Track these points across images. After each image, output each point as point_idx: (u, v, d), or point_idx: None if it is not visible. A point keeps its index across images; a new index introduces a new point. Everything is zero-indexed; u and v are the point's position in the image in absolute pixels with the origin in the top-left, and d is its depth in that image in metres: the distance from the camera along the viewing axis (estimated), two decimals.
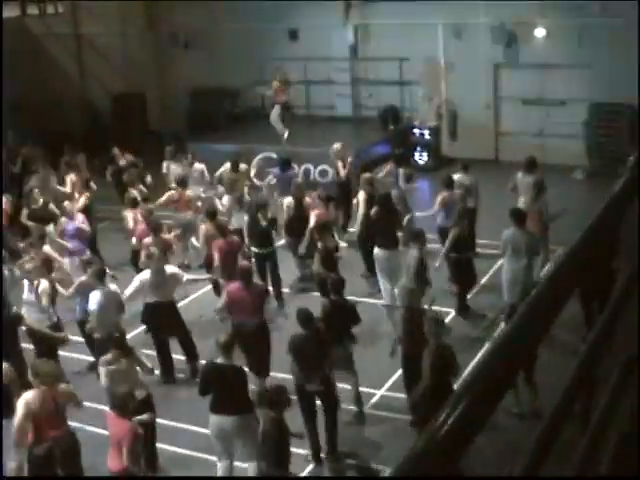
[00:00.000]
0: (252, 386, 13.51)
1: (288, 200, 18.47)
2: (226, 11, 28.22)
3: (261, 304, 13.77)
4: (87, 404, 11.76)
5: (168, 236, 16.92)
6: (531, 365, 11.66)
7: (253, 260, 17.28)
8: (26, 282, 14.43)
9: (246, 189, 20.32)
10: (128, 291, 14.61)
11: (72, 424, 11.19)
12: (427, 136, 26.04)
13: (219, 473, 11.49)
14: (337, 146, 21.22)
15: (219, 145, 25.44)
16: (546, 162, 22.99)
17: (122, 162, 22.36)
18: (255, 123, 27.64)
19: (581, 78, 24.18)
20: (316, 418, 12.16)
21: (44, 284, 14.10)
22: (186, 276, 15.31)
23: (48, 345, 13.95)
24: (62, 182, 21.49)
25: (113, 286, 14.51)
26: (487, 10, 24.91)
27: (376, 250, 16.62)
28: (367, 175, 18.91)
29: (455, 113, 26.34)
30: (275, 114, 25.17)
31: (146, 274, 14.60)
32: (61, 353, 14.40)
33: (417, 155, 25.86)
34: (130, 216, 18.31)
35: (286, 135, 25.17)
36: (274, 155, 23.88)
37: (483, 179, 19.34)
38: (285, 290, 17.71)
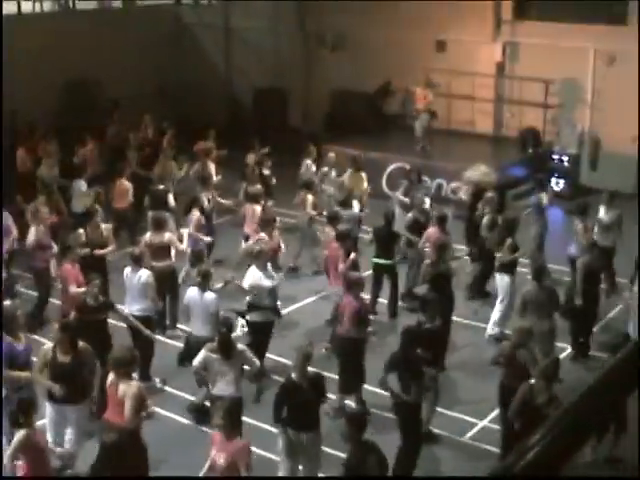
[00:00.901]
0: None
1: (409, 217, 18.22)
2: (376, 16, 27.98)
3: (359, 318, 13.53)
4: None
5: (268, 238, 16.55)
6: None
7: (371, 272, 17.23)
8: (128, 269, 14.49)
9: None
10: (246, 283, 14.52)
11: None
12: (566, 163, 25.37)
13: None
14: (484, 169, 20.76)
15: (354, 150, 25.24)
16: None
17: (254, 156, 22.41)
18: (394, 131, 27.40)
19: None
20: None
21: (146, 273, 14.16)
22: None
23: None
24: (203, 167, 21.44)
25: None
26: None
27: (501, 277, 16.34)
28: (490, 195, 18.51)
29: (598, 142, 25.54)
30: (422, 123, 24.96)
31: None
32: None
33: (554, 181, 25.20)
34: (250, 210, 18.39)
35: (427, 147, 24.97)
36: (407, 166, 23.52)
37: (624, 212, 18.64)
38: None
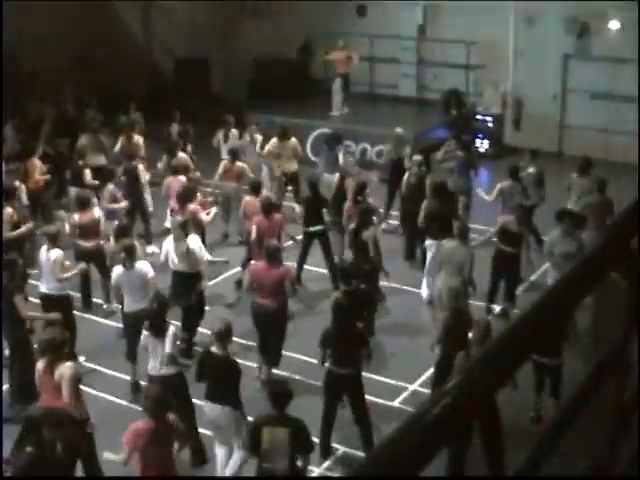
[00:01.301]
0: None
1: (329, 177, 18.03)
2: None
3: (281, 287, 13.31)
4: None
5: (196, 207, 16.17)
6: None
7: (300, 238, 17.07)
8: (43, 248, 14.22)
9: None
10: (162, 257, 14.50)
11: None
12: (490, 123, 25.47)
13: (217, 460, 11.28)
14: (399, 131, 20.24)
15: (278, 117, 25.09)
16: (611, 159, 22.39)
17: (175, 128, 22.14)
18: (319, 98, 27.25)
19: None
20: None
21: (56, 253, 13.85)
22: (207, 256, 14.79)
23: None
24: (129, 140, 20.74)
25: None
26: None
27: (428, 241, 16.18)
28: (418, 158, 18.37)
29: (521, 102, 25.65)
30: (337, 85, 24.90)
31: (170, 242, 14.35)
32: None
33: (478, 142, 25.29)
34: (168, 182, 18.04)
35: (342, 111, 24.87)
36: (329, 131, 23.39)
37: (547, 171, 18.66)
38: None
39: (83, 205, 15.84)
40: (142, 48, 31.40)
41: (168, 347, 11.41)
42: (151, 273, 13.33)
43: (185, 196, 16.08)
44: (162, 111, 23.74)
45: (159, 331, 11.51)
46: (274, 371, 13.52)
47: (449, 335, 11.73)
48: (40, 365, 10.72)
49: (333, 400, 11.73)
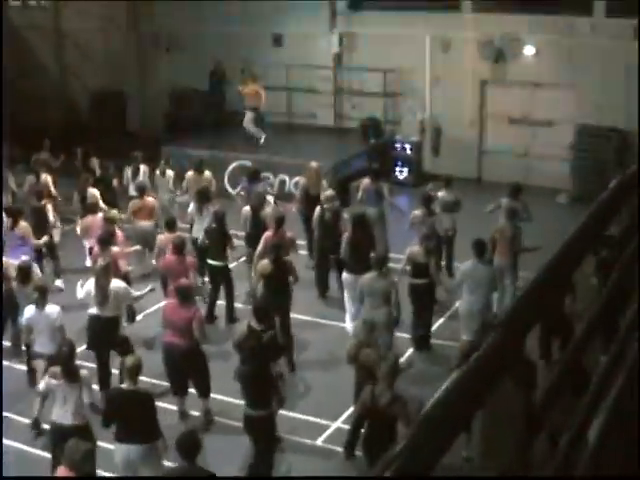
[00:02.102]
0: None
1: (246, 210, 17.71)
2: (209, 13, 27.45)
3: (191, 327, 12.85)
4: None
5: (117, 249, 15.81)
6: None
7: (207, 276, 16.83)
8: None
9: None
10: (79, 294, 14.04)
11: None
12: (409, 151, 25.28)
13: None
14: (314, 165, 19.84)
15: (195, 150, 24.72)
16: (530, 184, 22.33)
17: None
18: (235, 129, 26.85)
19: (569, 99, 23.38)
20: None
21: None
22: (134, 293, 14.41)
23: None
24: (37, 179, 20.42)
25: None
26: (476, 24, 24.24)
27: (345, 274, 15.82)
28: (329, 193, 17.98)
29: (439, 128, 25.53)
30: (249, 118, 24.57)
31: (91, 284, 13.78)
32: None
33: (397, 170, 25.11)
34: (89, 222, 17.66)
35: (262, 140, 24.58)
36: (249, 163, 23.06)
37: (464, 198, 18.58)
38: (240, 305, 16.89)
39: None
40: (57, 81, 30.84)
41: (87, 396, 11.07)
42: (59, 319, 12.97)
43: (106, 239, 15.65)
44: (78, 146, 23.31)
45: (72, 377, 11.07)
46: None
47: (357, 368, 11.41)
48: None
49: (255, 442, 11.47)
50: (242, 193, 20.25)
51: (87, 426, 11.06)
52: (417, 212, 16.96)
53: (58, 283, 18.01)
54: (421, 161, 25.59)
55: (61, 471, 9.33)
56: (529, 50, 23.92)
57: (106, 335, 13.66)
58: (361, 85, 26.61)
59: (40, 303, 13.00)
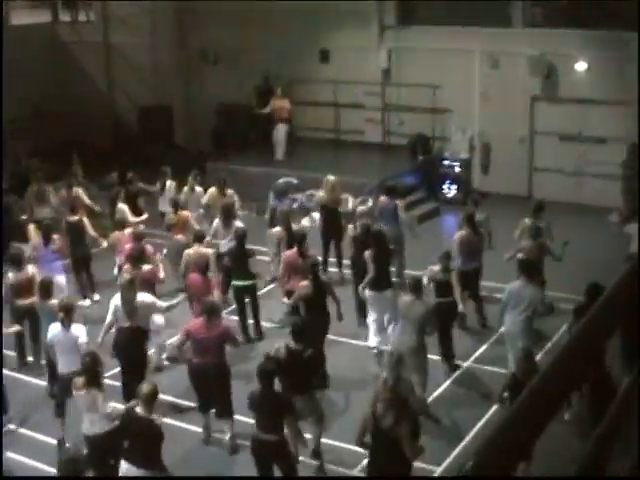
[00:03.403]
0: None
1: (277, 230, 17.56)
2: (257, 28, 27.29)
3: (221, 345, 12.84)
4: None
5: (148, 267, 15.75)
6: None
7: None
8: None
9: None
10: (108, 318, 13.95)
11: None
12: (457, 168, 24.90)
13: None
14: (332, 178, 19.60)
15: (241, 166, 24.63)
16: (581, 202, 21.90)
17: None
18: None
19: (622, 116, 22.87)
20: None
21: None
22: (162, 304, 14.37)
23: None
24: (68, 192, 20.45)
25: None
26: (527, 40, 23.79)
27: (368, 291, 15.56)
28: (363, 209, 17.96)
29: (488, 146, 25.12)
30: (283, 131, 24.91)
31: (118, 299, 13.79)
32: None
33: (446, 188, 24.74)
34: (116, 237, 17.69)
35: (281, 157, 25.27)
36: (295, 180, 22.78)
37: (515, 216, 18.14)
38: (268, 325, 16.81)
39: (17, 263, 15.45)
40: (105, 96, 30.89)
41: (101, 406, 11.18)
42: (83, 339, 12.81)
43: (137, 257, 15.55)
44: (127, 162, 23.34)
45: (95, 385, 11.23)
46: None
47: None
48: None
49: (261, 467, 11.25)
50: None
51: (112, 432, 11.18)
52: (463, 232, 16.60)
53: (95, 297, 18.30)
54: (470, 179, 25.21)
55: None
56: (580, 66, 23.44)
57: (131, 344, 13.60)
58: (409, 101, 26.25)
59: (66, 322, 12.84)
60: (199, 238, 16.67)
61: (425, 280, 14.71)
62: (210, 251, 16.52)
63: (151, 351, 14.97)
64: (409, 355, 12.80)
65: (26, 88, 27.79)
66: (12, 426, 13.66)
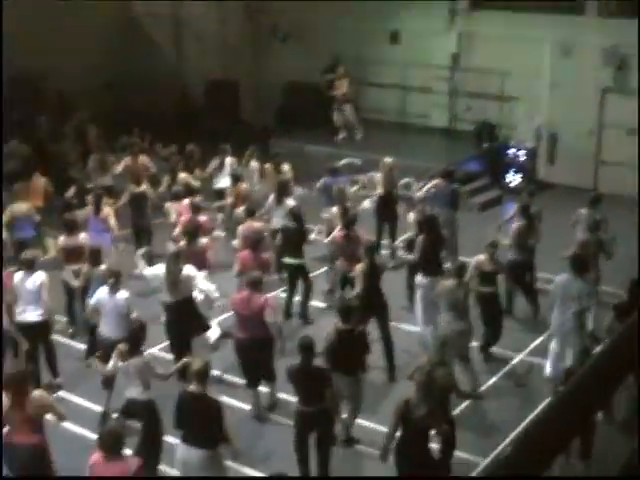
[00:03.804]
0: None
1: (333, 209, 17.57)
2: (327, 6, 27.17)
3: (262, 318, 12.85)
4: None
5: (204, 240, 15.83)
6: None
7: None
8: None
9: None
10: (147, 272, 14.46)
11: None
12: (523, 157, 24.59)
13: None
14: (389, 161, 19.39)
15: (304, 145, 24.64)
16: None
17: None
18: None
19: None
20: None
21: (41, 276, 13.51)
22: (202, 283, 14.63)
23: None
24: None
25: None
26: (600, 29, 23.36)
27: (420, 277, 15.51)
28: (421, 194, 17.99)
29: (555, 135, 24.75)
30: (351, 111, 25.49)
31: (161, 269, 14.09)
32: None
33: (510, 176, 24.44)
34: (174, 208, 17.82)
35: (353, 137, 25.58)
36: (358, 161, 22.63)
37: (578, 208, 17.62)
38: (319, 304, 16.85)
39: (70, 228, 15.68)
40: (173, 69, 30.92)
41: (142, 374, 11.34)
42: (127, 306, 13.05)
43: (192, 232, 15.59)
44: (192, 134, 23.63)
45: (138, 353, 11.50)
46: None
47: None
48: (6, 401, 10.07)
49: (301, 440, 11.32)
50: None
51: (152, 404, 11.40)
52: (519, 223, 16.41)
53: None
54: (535, 168, 24.89)
55: (94, 456, 9.32)
56: None
57: (180, 319, 13.83)
58: (477, 87, 25.98)
59: (113, 287, 13.06)
60: (251, 212, 16.78)
61: (471, 269, 14.59)
62: (264, 226, 16.69)
63: (212, 330, 15.12)
64: (453, 341, 12.75)
65: (96, 59, 27.90)
66: (61, 393, 13.81)
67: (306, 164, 22.44)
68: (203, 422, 10.29)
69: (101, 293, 13.17)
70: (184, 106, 30.24)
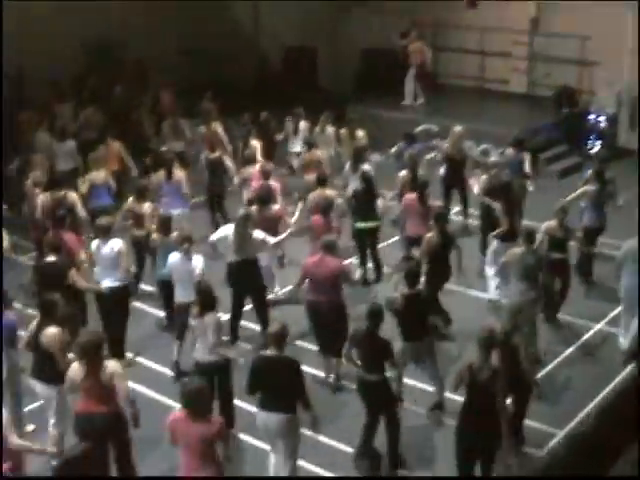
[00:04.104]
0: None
1: (403, 174, 17.48)
2: None
3: (336, 282, 12.90)
4: None
5: (276, 206, 15.94)
6: None
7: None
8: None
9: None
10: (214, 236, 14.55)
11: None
12: (603, 123, 24.19)
13: (269, 467, 10.78)
14: (458, 129, 19.45)
15: (381, 111, 24.55)
16: None
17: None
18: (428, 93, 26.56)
19: None
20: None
21: (119, 243, 13.68)
22: (271, 240, 14.51)
23: None
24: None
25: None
26: None
27: (496, 242, 15.45)
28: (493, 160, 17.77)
29: (637, 101, 24.22)
30: (411, 75, 25.62)
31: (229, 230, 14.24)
32: None
33: (590, 143, 24.06)
34: (246, 173, 18.05)
35: (415, 102, 25.53)
36: (435, 127, 22.41)
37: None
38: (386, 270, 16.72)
39: (140, 194, 15.92)
40: (250, 36, 30.93)
41: (214, 336, 11.35)
42: (199, 269, 13.10)
43: (264, 198, 15.66)
44: (269, 101, 23.82)
45: (207, 313, 11.46)
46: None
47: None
48: (78, 369, 10.14)
49: (369, 407, 11.35)
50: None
51: (226, 363, 11.49)
52: (591, 187, 16.18)
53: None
54: (616, 135, 24.44)
55: (176, 413, 9.35)
56: None
57: (244, 277, 14.00)
58: (556, 51, 25.53)
59: (186, 252, 13.18)
60: (322, 180, 16.71)
61: (540, 235, 14.36)
62: (334, 193, 16.62)
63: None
64: (524, 309, 12.60)
65: (175, 27, 28.02)
66: (130, 355, 14.01)
67: (383, 130, 22.38)
68: (281, 385, 10.21)
69: (174, 258, 13.31)
70: (262, 73, 30.27)
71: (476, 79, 27.16)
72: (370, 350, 11.06)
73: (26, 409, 11.87)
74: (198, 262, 13.20)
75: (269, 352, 10.36)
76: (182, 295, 13.23)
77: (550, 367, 13.61)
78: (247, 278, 14.02)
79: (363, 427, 11.34)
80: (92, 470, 9.50)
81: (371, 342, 11.03)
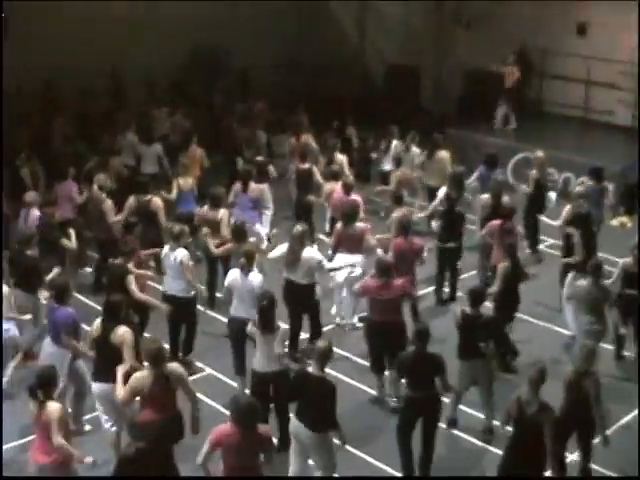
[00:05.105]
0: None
1: (485, 197, 17.21)
2: None
3: (397, 302, 12.89)
4: None
5: (363, 225, 15.58)
6: None
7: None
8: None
9: None
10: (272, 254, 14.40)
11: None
12: None
13: (290, 469, 10.80)
14: (541, 154, 19.24)
15: (481, 136, 24.23)
16: None
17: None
18: (530, 119, 26.11)
19: None
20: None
21: (181, 254, 13.64)
22: (326, 265, 14.36)
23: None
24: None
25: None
26: None
27: (570, 275, 15.05)
28: (579, 190, 17.30)
29: None
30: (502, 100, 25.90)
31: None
32: None
33: None
34: (330, 188, 17.88)
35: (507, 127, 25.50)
36: (532, 156, 21.90)
37: None
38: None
39: (214, 202, 15.94)
40: (355, 52, 30.84)
41: (276, 346, 11.41)
42: (259, 288, 12.77)
43: (350, 215, 15.41)
44: (370, 117, 24.05)
45: (268, 328, 11.48)
46: None
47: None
48: (147, 376, 10.17)
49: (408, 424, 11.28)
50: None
51: (285, 372, 11.51)
52: None
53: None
54: None
55: (224, 427, 9.29)
56: None
57: (298, 299, 14.04)
58: None
59: (245, 268, 12.97)
60: (398, 200, 16.55)
61: (618, 270, 14.29)
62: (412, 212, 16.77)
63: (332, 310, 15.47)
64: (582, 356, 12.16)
65: (280, 39, 28.08)
66: (199, 364, 14.06)
67: (480, 155, 21.97)
68: (316, 405, 10.28)
69: (234, 274, 13.14)
70: (364, 89, 30.14)
71: (580, 109, 26.58)
72: (417, 370, 11.03)
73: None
74: (256, 278, 12.94)
75: (311, 369, 10.45)
76: (238, 310, 13.03)
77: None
78: (298, 298, 14.04)
79: (399, 444, 11.24)
80: (148, 471, 9.37)
81: (418, 362, 11.01)
